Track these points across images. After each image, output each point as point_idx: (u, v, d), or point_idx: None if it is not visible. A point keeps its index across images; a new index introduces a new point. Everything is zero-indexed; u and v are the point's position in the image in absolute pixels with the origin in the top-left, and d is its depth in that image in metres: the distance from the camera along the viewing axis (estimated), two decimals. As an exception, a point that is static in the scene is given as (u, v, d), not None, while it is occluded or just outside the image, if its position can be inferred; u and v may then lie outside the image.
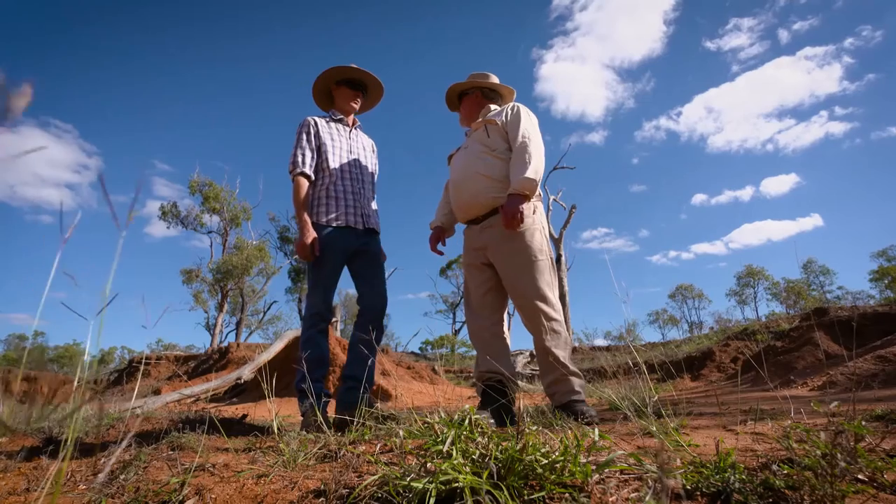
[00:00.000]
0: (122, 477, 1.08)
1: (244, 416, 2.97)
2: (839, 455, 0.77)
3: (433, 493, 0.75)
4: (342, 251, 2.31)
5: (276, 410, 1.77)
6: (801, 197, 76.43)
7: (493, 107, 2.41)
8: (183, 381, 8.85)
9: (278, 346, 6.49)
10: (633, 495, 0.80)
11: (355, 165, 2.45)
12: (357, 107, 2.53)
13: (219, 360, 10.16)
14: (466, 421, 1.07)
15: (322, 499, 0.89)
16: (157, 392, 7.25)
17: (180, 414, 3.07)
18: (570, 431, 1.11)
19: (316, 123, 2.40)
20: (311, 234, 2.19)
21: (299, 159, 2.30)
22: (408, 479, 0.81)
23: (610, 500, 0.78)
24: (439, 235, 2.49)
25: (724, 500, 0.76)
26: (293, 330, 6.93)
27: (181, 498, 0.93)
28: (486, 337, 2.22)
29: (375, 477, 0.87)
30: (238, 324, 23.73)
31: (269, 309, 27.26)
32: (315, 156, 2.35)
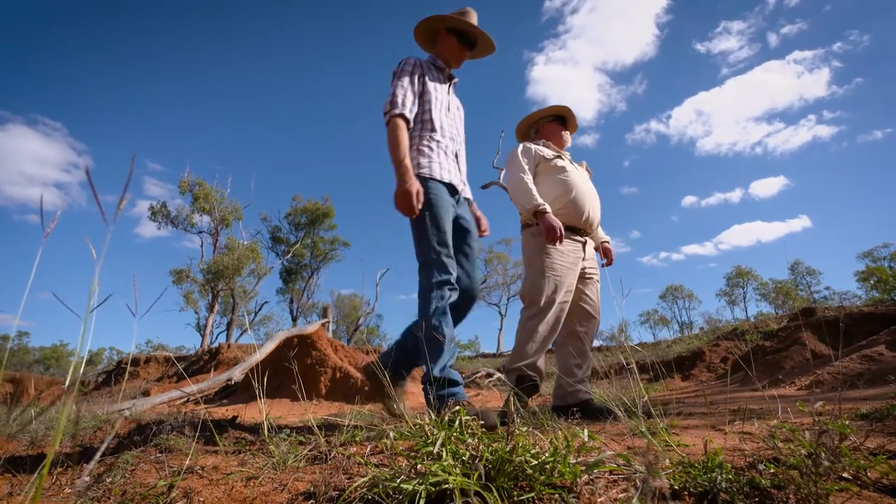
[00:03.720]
0: (108, 480, 1.07)
1: (234, 417, 2.94)
2: (823, 454, 0.78)
3: (423, 495, 0.75)
4: (451, 210, 2.00)
5: (267, 411, 1.76)
6: (790, 199, 77.38)
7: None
8: (172, 383, 8.77)
9: (269, 347, 6.44)
10: (621, 496, 0.80)
11: (453, 125, 2.17)
12: (459, 65, 2.25)
13: (209, 360, 10.07)
14: (457, 422, 1.07)
15: (312, 501, 0.89)
16: (145, 393, 7.17)
17: (169, 416, 3.04)
18: (559, 432, 1.11)
19: (422, 66, 2.10)
20: (416, 182, 1.85)
21: (399, 99, 1.96)
22: (398, 480, 0.81)
23: (598, 500, 0.79)
24: None
25: (710, 500, 0.77)
26: (284, 331, 6.90)
27: (169, 501, 0.92)
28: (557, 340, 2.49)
29: (365, 479, 0.87)
30: (229, 324, 23.55)
31: (260, 309, 27.08)
32: (417, 101, 2.03)
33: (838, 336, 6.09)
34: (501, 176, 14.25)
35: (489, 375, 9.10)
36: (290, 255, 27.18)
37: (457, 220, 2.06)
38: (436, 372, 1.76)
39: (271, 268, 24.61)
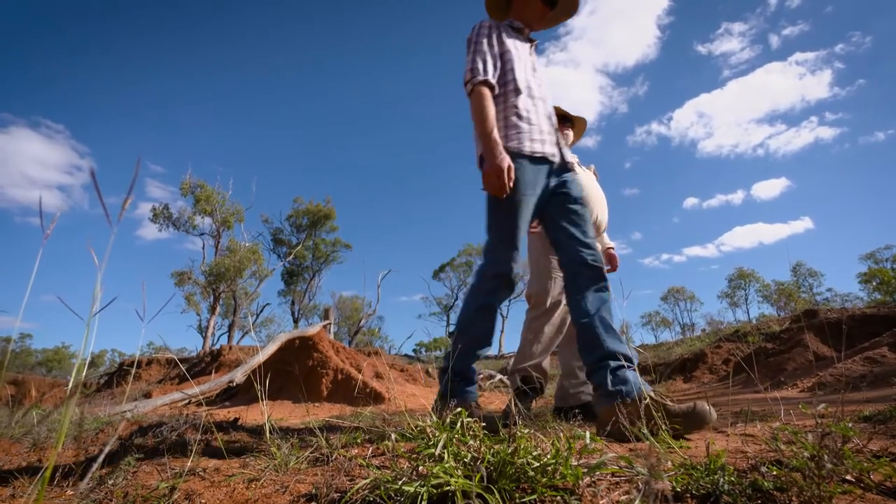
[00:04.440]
0: (110, 482, 1.07)
1: (236, 419, 2.94)
2: (826, 456, 0.78)
3: (424, 497, 0.75)
4: (540, 190, 1.80)
5: (269, 413, 1.76)
6: (792, 200, 77.01)
7: None
8: (174, 385, 8.78)
9: (271, 349, 6.44)
10: (623, 498, 0.80)
11: (540, 87, 1.93)
12: (539, 26, 2.05)
13: (211, 362, 10.07)
14: (458, 424, 1.07)
15: (313, 503, 0.89)
16: (147, 395, 7.18)
17: (171, 417, 3.04)
18: (561, 434, 1.11)
19: (498, 27, 1.90)
20: (506, 157, 1.68)
21: (479, 66, 1.78)
22: (399, 482, 0.81)
23: (600, 502, 0.79)
24: None
25: (713, 502, 0.76)
26: (286, 333, 6.89)
27: (171, 503, 0.93)
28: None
29: (367, 480, 0.87)
30: (230, 326, 23.56)
31: (261, 311, 27.09)
32: (498, 65, 1.84)
33: (841, 338, 6.07)
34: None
35: (490, 377, 9.09)
36: (291, 256, 27.20)
37: (557, 189, 1.85)
38: (453, 365, 1.71)
39: (273, 270, 24.63)
